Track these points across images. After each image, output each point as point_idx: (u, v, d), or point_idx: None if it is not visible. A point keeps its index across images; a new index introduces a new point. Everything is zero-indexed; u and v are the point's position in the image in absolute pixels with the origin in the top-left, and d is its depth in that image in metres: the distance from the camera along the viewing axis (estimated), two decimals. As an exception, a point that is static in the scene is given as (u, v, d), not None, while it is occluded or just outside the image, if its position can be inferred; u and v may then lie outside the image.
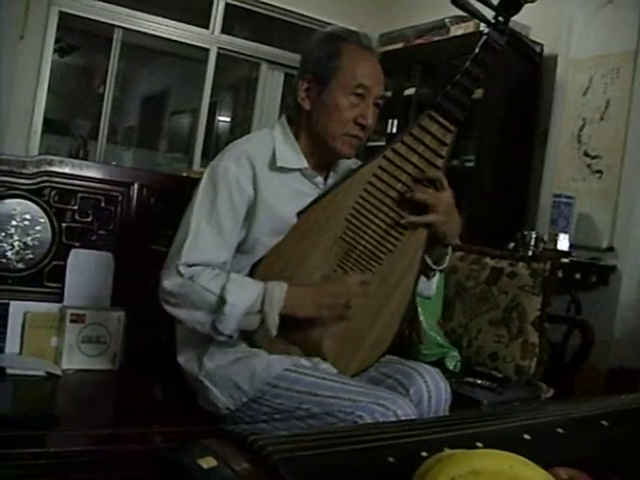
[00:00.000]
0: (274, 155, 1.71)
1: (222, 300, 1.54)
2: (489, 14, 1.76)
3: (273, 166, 1.70)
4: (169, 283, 1.60)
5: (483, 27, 1.78)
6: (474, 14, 1.76)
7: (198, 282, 1.56)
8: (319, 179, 1.76)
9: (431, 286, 1.90)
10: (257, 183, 1.67)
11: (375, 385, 1.65)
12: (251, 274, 1.67)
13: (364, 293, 1.64)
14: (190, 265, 1.60)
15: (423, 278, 1.83)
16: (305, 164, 1.74)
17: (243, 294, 1.55)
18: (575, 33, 3.95)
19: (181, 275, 1.58)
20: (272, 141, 1.74)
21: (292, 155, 1.73)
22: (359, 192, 1.70)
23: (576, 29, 3.94)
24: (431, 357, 2.28)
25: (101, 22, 5.10)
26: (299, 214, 1.70)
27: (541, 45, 4.13)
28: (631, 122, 3.63)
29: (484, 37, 1.75)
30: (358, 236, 1.69)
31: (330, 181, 1.79)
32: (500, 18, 1.75)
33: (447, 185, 1.70)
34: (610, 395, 1.39)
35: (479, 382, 2.18)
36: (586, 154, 3.83)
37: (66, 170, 2.06)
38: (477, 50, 1.75)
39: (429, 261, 1.78)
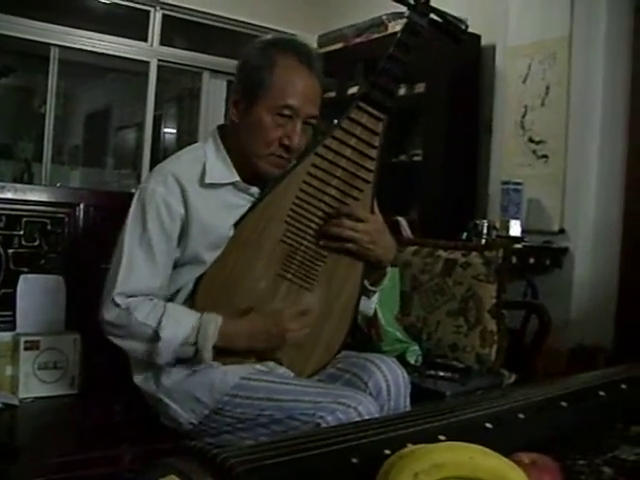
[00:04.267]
0: (204, 171, 1.67)
1: (157, 335, 1.55)
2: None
3: (203, 182, 1.66)
4: (108, 314, 1.60)
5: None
6: None
7: (135, 316, 1.57)
8: (254, 189, 1.71)
9: (371, 305, 1.87)
10: (187, 201, 1.63)
11: (334, 381, 1.67)
12: (195, 287, 1.66)
13: (300, 326, 1.63)
14: (127, 295, 1.59)
15: (363, 297, 1.79)
16: (236, 177, 1.69)
17: (177, 328, 1.56)
18: (511, 21, 4.01)
19: (118, 306, 1.58)
20: (204, 156, 1.70)
21: (223, 170, 1.69)
22: (295, 192, 1.67)
23: (512, 17, 4.01)
24: (392, 353, 2.28)
25: (36, 41, 5.02)
26: (235, 225, 1.67)
27: (476, 34, 4.19)
28: (571, 106, 3.70)
29: (405, 20, 1.73)
30: (299, 237, 1.67)
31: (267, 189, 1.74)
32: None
33: (363, 215, 1.67)
34: (570, 375, 1.42)
35: (441, 374, 2.19)
36: (531, 140, 3.89)
37: (9, 195, 2.01)
38: (399, 34, 1.72)
39: (367, 283, 1.77)
